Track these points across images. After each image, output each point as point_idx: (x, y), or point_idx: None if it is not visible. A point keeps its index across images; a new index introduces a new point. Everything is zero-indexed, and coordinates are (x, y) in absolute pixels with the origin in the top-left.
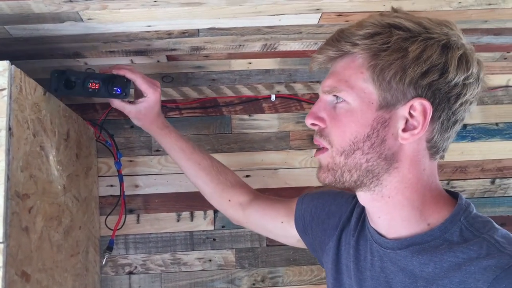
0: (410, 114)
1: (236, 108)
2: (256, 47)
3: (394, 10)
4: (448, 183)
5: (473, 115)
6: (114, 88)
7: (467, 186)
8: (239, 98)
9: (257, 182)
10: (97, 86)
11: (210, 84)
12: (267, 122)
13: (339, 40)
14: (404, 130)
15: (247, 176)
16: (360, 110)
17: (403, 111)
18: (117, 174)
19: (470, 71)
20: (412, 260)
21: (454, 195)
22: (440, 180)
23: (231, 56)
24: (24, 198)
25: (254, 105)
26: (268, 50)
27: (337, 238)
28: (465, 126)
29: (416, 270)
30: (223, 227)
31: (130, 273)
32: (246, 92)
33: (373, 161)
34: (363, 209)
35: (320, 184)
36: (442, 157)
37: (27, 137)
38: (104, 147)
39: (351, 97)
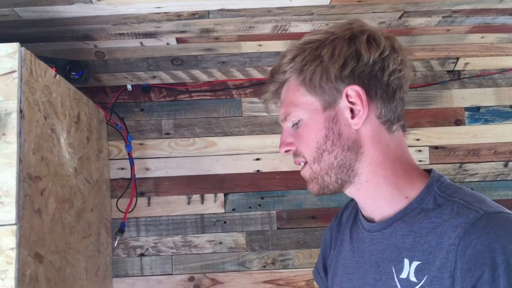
0: (350, 102)
1: (246, 91)
2: (267, 29)
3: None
4: (460, 166)
5: (487, 97)
6: (72, 73)
7: (480, 169)
8: (249, 81)
9: (268, 165)
10: (53, 69)
11: (220, 66)
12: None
13: (273, 75)
14: (352, 117)
15: (258, 159)
16: (311, 119)
17: (343, 103)
18: (127, 157)
19: (382, 47)
20: (396, 234)
21: (428, 172)
22: (452, 163)
23: (241, 38)
24: (36, 181)
25: (264, 87)
26: (279, 32)
27: (334, 251)
28: (478, 108)
29: (399, 243)
30: (233, 210)
31: (142, 255)
32: (256, 74)
33: (340, 155)
34: (352, 211)
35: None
36: (403, 128)
37: (38, 120)
38: (115, 130)
39: (299, 112)
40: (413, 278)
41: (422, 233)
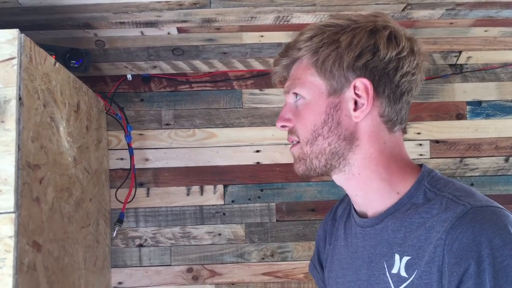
0: (356, 94)
1: (247, 82)
2: (269, 19)
3: (332, 16)
4: (461, 161)
5: (489, 91)
6: (72, 61)
7: (480, 164)
8: (250, 72)
9: (268, 157)
10: (52, 57)
11: (221, 57)
12: (278, 97)
13: (287, 49)
14: (354, 109)
15: (258, 151)
16: (313, 101)
17: (349, 93)
18: (127, 147)
19: (400, 46)
20: (387, 230)
21: (420, 167)
22: (453, 157)
23: (243, 29)
24: (35, 169)
25: (265, 79)
26: (281, 22)
27: (329, 246)
28: (480, 102)
29: (390, 238)
30: (232, 201)
31: (140, 245)
32: (257, 66)
33: (334, 143)
34: (347, 206)
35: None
36: (404, 130)
37: (38, 108)
38: (114, 120)
39: (304, 90)
40: (403, 273)
41: (412, 228)
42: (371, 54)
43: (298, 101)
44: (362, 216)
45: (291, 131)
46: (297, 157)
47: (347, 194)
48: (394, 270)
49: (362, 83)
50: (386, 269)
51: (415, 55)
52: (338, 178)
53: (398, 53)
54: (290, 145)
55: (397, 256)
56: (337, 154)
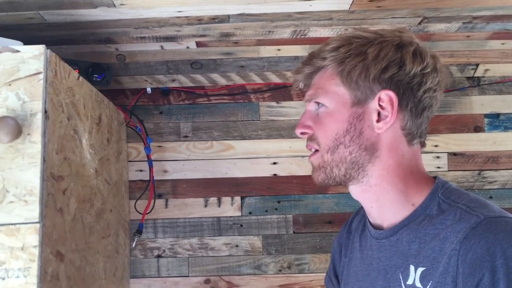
0: (380, 106)
1: (264, 95)
2: (286, 33)
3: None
4: (479, 173)
5: (507, 104)
6: (95, 75)
7: (499, 177)
8: (267, 85)
9: (285, 169)
10: (76, 71)
11: (239, 70)
12: (295, 110)
13: (311, 58)
14: (377, 121)
15: (275, 163)
16: (337, 110)
17: (373, 104)
18: (146, 159)
19: (425, 62)
20: (402, 241)
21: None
22: (471, 170)
23: (260, 43)
24: (59, 180)
25: (282, 92)
26: (298, 36)
27: (345, 259)
28: (498, 115)
29: (405, 249)
30: (250, 213)
31: (159, 256)
32: (274, 79)
33: (355, 153)
34: (362, 219)
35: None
36: (423, 144)
37: (62, 121)
38: (134, 132)
39: (327, 100)
40: (418, 284)
41: (427, 239)
42: (397, 68)
43: (320, 109)
44: (377, 228)
45: (311, 138)
46: (316, 165)
47: (362, 207)
48: (409, 281)
49: (387, 95)
50: (402, 280)
51: (438, 72)
52: (354, 189)
53: (422, 69)
54: (307, 157)
55: (412, 267)
56: (357, 164)
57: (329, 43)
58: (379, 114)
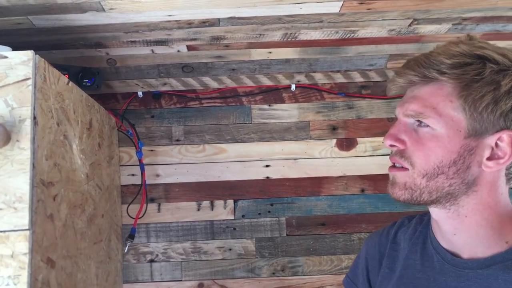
0: (496, 144)
1: (256, 98)
2: (277, 36)
3: (470, 38)
4: None
5: None
6: (85, 80)
7: None
8: (259, 88)
9: (277, 171)
10: (65, 76)
11: (230, 74)
12: (287, 112)
13: (426, 66)
14: (488, 158)
15: (267, 166)
16: (447, 136)
17: (490, 140)
18: (138, 164)
19: None
20: (498, 278)
21: None
22: None
23: (251, 46)
24: (49, 186)
25: (274, 95)
26: (289, 39)
27: (389, 271)
28: None
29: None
30: (243, 216)
31: (152, 261)
32: (266, 82)
33: (455, 185)
34: (417, 235)
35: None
36: None
37: (51, 126)
38: (125, 137)
39: (439, 124)
40: None
41: None
42: None
43: (423, 128)
44: (451, 253)
45: (402, 154)
46: (401, 183)
47: (407, 219)
48: None
49: (510, 137)
50: None
51: None
52: (437, 211)
53: None
54: (299, 159)
55: None
56: (452, 195)
57: (451, 55)
58: (491, 150)
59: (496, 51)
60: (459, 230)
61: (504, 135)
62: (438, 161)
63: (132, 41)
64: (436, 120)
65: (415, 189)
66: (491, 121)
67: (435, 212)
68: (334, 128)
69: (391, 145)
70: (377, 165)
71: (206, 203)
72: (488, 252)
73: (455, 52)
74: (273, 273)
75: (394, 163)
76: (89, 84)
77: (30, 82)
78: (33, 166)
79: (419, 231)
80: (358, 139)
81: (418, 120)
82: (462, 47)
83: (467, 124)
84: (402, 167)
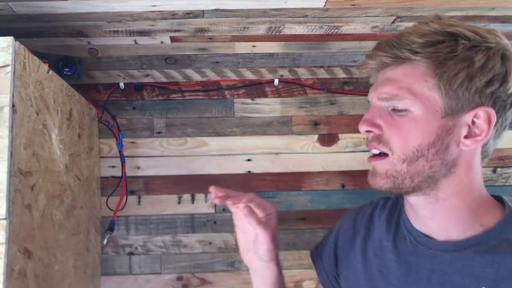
0: (472, 121)
1: (239, 92)
2: (261, 30)
3: (439, 17)
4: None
5: None
6: (65, 69)
7: None
8: (242, 81)
9: (259, 166)
10: (46, 65)
11: (213, 66)
12: (270, 107)
13: (397, 47)
14: (466, 137)
15: (249, 160)
16: (424, 118)
17: (466, 118)
18: (118, 155)
19: None
20: (472, 261)
21: (496, 198)
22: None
23: (235, 39)
24: (27, 176)
25: (257, 89)
26: (273, 33)
27: (360, 249)
28: None
29: (477, 271)
30: (224, 210)
31: (131, 253)
32: (249, 75)
33: (435, 167)
34: (390, 217)
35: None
36: (487, 161)
37: (30, 115)
38: (106, 128)
39: (416, 105)
40: None
41: (509, 267)
42: (499, 83)
43: (398, 111)
44: (425, 236)
45: (379, 140)
46: (383, 172)
47: (384, 200)
48: None
49: (486, 113)
50: None
51: None
52: (415, 199)
53: None
54: (281, 154)
55: None
56: (432, 178)
57: (423, 34)
58: (468, 128)
59: (467, 28)
60: (436, 214)
61: (480, 111)
62: (417, 144)
63: (114, 31)
64: (412, 101)
65: (396, 176)
66: (467, 98)
67: (413, 199)
68: (316, 124)
69: (367, 131)
70: (358, 161)
71: (187, 196)
72: (463, 235)
73: (426, 31)
74: None
75: (371, 150)
76: (70, 73)
77: (9, 69)
78: (11, 154)
79: (394, 212)
80: (340, 135)
81: (394, 106)
82: (433, 25)
83: (443, 103)
84: (381, 154)
